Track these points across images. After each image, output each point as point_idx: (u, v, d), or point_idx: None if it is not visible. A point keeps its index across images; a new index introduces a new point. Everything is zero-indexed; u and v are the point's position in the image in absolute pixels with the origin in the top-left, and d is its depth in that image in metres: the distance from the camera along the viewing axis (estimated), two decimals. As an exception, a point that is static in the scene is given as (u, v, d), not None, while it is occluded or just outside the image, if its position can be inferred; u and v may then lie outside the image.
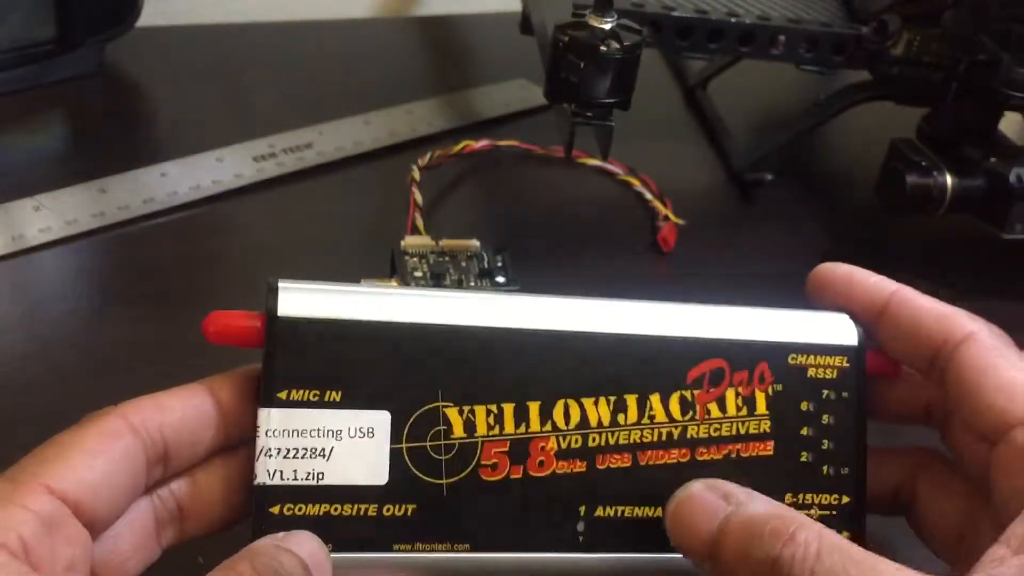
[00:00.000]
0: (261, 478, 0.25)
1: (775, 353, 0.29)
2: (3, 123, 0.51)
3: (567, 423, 0.27)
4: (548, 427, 0.27)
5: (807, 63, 0.48)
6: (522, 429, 0.27)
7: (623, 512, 0.27)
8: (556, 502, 0.27)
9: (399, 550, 0.26)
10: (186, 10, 0.64)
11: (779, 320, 0.30)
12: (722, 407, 0.28)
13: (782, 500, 0.28)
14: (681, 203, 0.48)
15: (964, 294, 0.46)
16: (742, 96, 0.60)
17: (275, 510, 0.25)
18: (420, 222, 0.44)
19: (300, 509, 0.25)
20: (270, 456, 0.25)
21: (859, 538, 0.28)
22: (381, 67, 0.60)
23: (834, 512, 0.29)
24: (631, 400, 0.28)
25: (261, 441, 0.25)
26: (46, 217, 0.44)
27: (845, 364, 0.29)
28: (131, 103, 0.55)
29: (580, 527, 0.27)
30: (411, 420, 0.26)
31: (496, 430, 0.27)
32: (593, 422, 0.28)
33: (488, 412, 0.27)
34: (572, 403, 0.27)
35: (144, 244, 0.44)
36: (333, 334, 0.26)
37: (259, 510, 0.25)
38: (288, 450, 0.25)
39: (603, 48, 0.38)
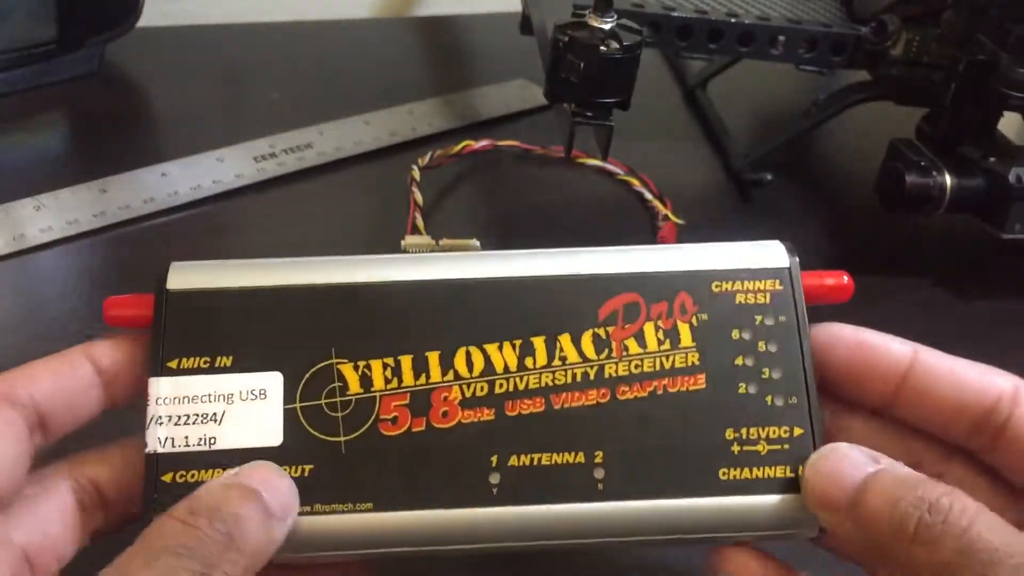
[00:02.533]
0: (152, 446, 0.26)
1: (695, 282, 0.27)
2: (3, 123, 0.51)
3: (470, 371, 0.26)
4: (450, 376, 0.26)
5: (807, 63, 0.48)
6: (422, 380, 0.26)
7: (539, 460, 0.26)
8: (464, 453, 0.26)
9: (298, 512, 0.25)
10: (186, 10, 0.64)
11: (699, 251, 0.28)
12: (641, 342, 0.27)
13: (722, 436, 0.26)
14: (681, 203, 0.48)
15: (964, 294, 0.46)
16: (742, 96, 0.60)
17: (167, 478, 0.25)
18: (420, 222, 0.44)
19: (193, 475, 0.25)
20: (160, 424, 0.26)
21: None
22: (381, 67, 0.60)
23: (785, 446, 0.26)
24: (538, 343, 0.26)
25: (151, 409, 0.26)
26: (47, 217, 0.44)
27: (778, 287, 0.27)
28: (131, 103, 0.55)
29: (494, 478, 0.26)
30: (304, 379, 0.26)
31: (394, 383, 0.26)
32: (499, 368, 0.26)
33: (385, 366, 0.26)
34: (474, 350, 0.26)
35: (145, 244, 0.44)
36: (222, 303, 0.27)
37: (151, 478, 0.25)
38: (179, 417, 0.26)
39: (603, 48, 0.38)
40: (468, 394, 0.26)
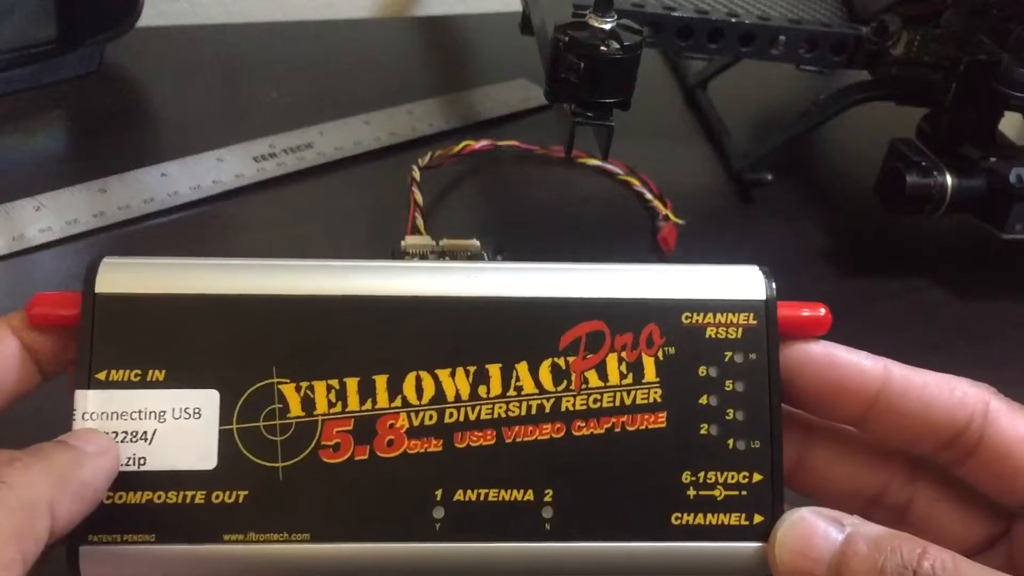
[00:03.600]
0: None
1: (665, 312, 0.26)
2: (3, 123, 0.51)
3: (420, 398, 0.25)
4: (398, 403, 0.25)
5: (807, 63, 0.48)
6: (368, 406, 0.25)
7: (487, 496, 0.24)
8: (408, 485, 0.24)
9: (230, 540, 0.24)
10: (186, 10, 0.64)
11: (672, 276, 0.26)
12: (603, 375, 0.25)
13: (678, 479, 0.25)
14: (681, 203, 0.48)
15: (964, 295, 0.46)
16: (742, 96, 0.60)
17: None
18: (420, 222, 0.44)
19: (120, 497, 0.24)
20: None
21: (777, 520, 0.25)
22: (381, 67, 0.60)
23: (743, 492, 0.25)
24: (494, 370, 0.25)
25: (77, 424, 0.24)
26: (47, 217, 0.44)
27: (752, 322, 0.26)
28: (131, 103, 0.55)
29: (437, 513, 0.24)
30: (243, 399, 0.24)
31: (338, 407, 0.24)
32: (450, 396, 0.25)
33: (329, 388, 0.25)
34: (425, 375, 0.25)
35: (145, 244, 0.44)
36: (156, 310, 0.25)
37: None
38: (107, 434, 0.24)
39: (603, 48, 0.38)
40: (416, 423, 0.25)
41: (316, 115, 0.52)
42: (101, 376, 0.24)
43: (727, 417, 0.25)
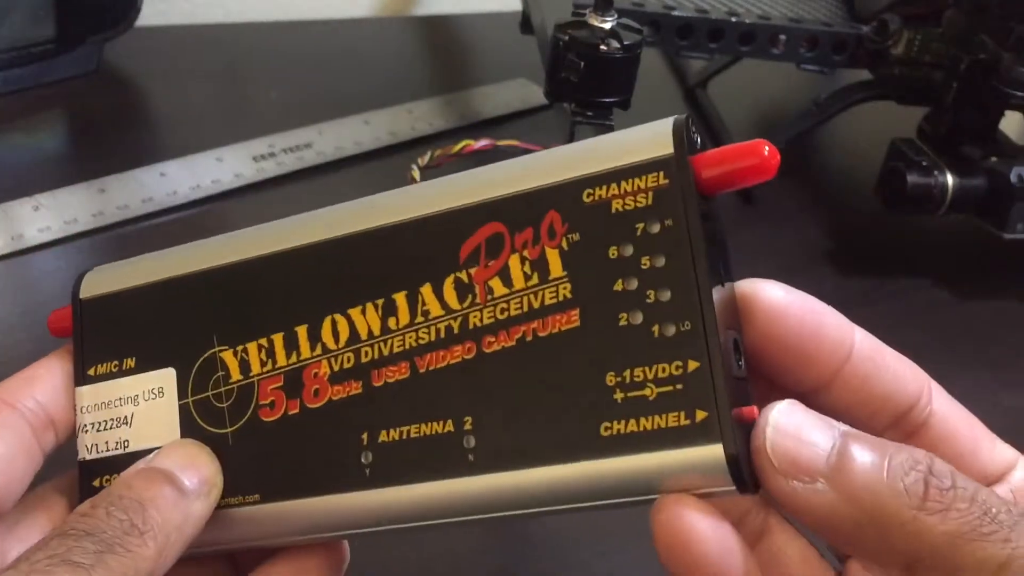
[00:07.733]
0: (82, 454, 0.26)
1: (564, 195, 0.22)
2: (3, 123, 0.51)
3: (336, 341, 0.24)
4: (318, 350, 0.24)
5: (807, 63, 0.48)
6: (293, 358, 0.24)
7: (408, 433, 0.23)
8: (337, 433, 0.23)
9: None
10: (186, 10, 0.64)
11: (567, 155, 0.23)
12: (506, 281, 0.22)
13: (603, 384, 0.21)
14: (681, 203, 0.48)
15: (965, 294, 0.46)
16: (742, 96, 0.59)
17: (97, 483, 0.26)
18: (420, 222, 0.44)
19: (114, 479, 0.25)
20: (86, 432, 0.26)
21: (722, 414, 0.20)
22: (381, 67, 0.60)
23: (679, 386, 0.20)
24: (400, 299, 0.23)
25: (78, 419, 0.26)
26: (45, 217, 0.44)
27: (662, 182, 0.21)
28: (131, 103, 0.55)
29: (366, 458, 0.23)
30: (193, 372, 0.25)
31: (269, 365, 0.24)
32: (363, 334, 0.24)
33: (260, 348, 0.25)
34: (339, 318, 0.24)
35: (143, 244, 0.43)
36: (124, 303, 0.26)
37: (83, 485, 0.26)
38: (99, 423, 0.26)
39: (603, 48, 0.38)
40: (336, 367, 0.24)
41: (315, 115, 0.52)
42: (92, 372, 0.26)
43: (648, 300, 0.21)
